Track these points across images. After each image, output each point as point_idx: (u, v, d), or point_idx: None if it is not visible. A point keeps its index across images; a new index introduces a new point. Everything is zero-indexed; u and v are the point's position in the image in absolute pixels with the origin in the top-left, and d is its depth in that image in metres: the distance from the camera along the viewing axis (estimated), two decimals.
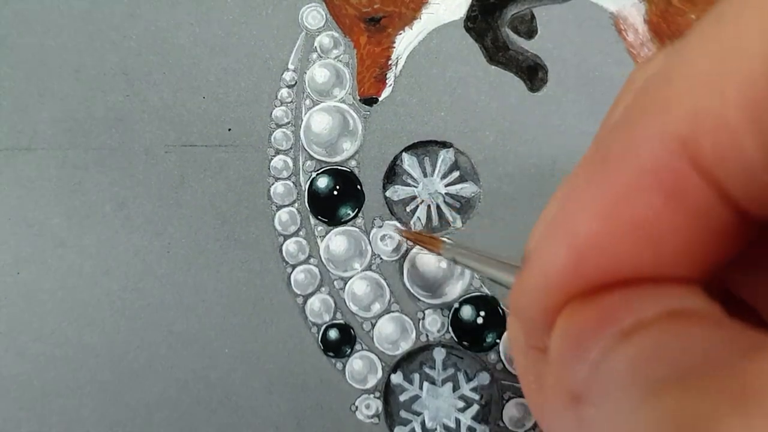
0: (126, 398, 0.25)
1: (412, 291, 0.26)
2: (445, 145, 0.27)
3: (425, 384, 0.26)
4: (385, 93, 0.27)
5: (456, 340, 0.26)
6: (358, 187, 0.26)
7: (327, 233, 0.26)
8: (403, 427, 0.26)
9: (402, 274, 0.26)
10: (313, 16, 0.27)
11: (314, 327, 0.26)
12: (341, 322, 0.26)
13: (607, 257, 0.10)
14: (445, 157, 0.27)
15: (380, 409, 0.26)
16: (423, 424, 0.26)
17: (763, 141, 0.09)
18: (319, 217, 0.26)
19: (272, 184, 0.26)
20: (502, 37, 0.27)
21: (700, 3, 0.27)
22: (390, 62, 0.27)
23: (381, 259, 0.26)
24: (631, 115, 0.10)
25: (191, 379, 0.26)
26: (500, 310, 0.26)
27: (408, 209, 0.26)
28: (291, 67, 0.27)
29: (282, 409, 0.25)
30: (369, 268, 0.26)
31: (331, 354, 0.26)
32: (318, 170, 0.26)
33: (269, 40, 0.27)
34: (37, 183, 0.26)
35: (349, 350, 0.26)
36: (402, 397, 0.26)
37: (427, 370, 0.26)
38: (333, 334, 0.26)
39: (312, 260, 0.26)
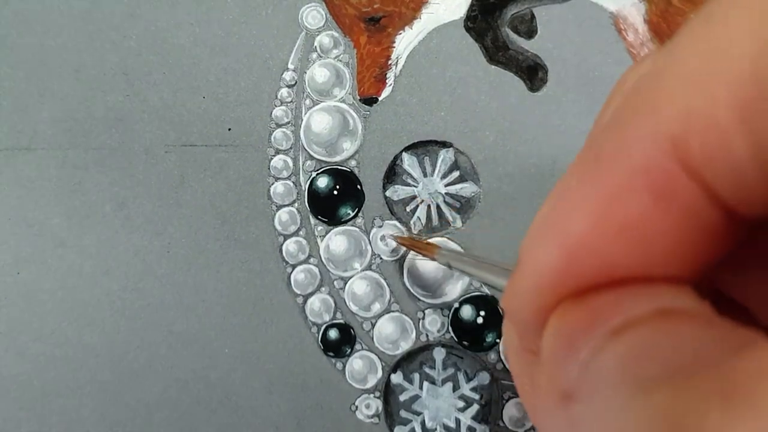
0: (126, 398, 0.25)
1: (412, 291, 0.26)
2: (445, 145, 0.27)
3: (425, 384, 0.26)
4: (385, 93, 0.27)
5: (456, 339, 0.26)
6: (358, 186, 0.26)
7: (327, 233, 0.26)
8: (403, 426, 0.26)
9: (402, 274, 0.26)
10: (313, 15, 0.27)
11: (314, 327, 0.26)
12: (341, 321, 0.26)
13: (599, 257, 0.10)
14: (445, 157, 0.27)
15: (380, 408, 0.26)
16: (423, 423, 0.26)
17: (752, 141, 0.09)
18: (319, 216, 0.26)
19: (272, 184, 0.26)
20: (502, 37, 0.27)
21: (699, 3, 0.27)
22: (390, 62, 0.27)
23: (381, 258, 0.26)
24: (623, 115, 0.10)
25: (191, 379, 0.26)
26: (500, 310, 0.26)
27: (408, 209, 0.26)
28: (291, 66, 0.27)
29: (282, 409, 0.25)
30: (369, 267, 0.26)
31: (331, 354, 0.26)
32: (318, 170, 0.26)
33: (269, 40, 0.27)
34: (37, 183, 0.26)
35: (349, 350, 0.26)
36: (402, 397, 0.26)
37: (427, 369, 0.26)
38: (333, 334, 0.26)
39: (312, 260, 0.26)
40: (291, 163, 0.26)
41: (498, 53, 0.27)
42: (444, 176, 0.27)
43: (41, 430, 0.25)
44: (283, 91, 0.27)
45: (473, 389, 0.26)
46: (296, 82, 0.27)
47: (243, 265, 0.26)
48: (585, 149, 0.11)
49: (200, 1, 0.27)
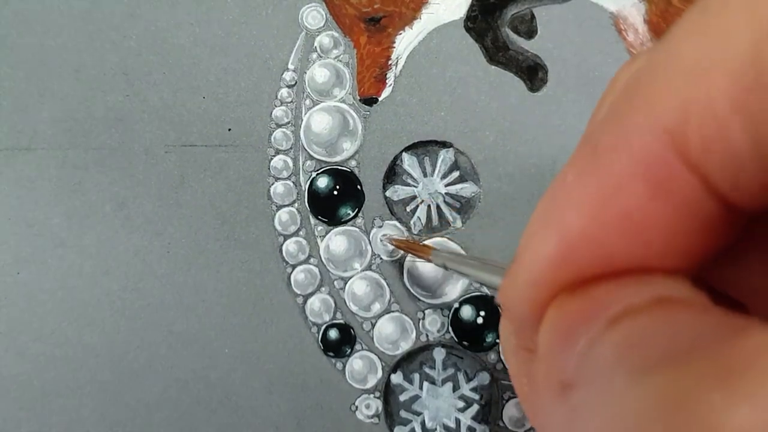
0: (126, 398, 0.25)
1: (412, 291, 0.26)
2: (445, 145, 0.27)
3: (425, 384, 0.26)
4: (385, 93, 0.27)
5: (456, 340, 0.26)
6: (358, 187, 0.26)
7: (327, 233, 0.26)
8: (403, 427, 0.26)
9: (402, 274, 0.26)
10: (313, 16, 0.27)
11: (314, 327, 0.26)
12: (341, 322, 0.26)
13: (596, 249, 0.10)
14: (445, 157, 0.27)
15: (380, 409, 0.26)
16: (423, 424, 0.26)
17: (750, 132, 0.09)
18: (319, 217, 0.26)
19: (272, 184, 0.26)
20: (502, 37, 0.27)
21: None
22: (390, 62, 0.27)
23: (381, 259, 0.26)
24: (620, 109, 0.10)
25: (191, 379, 0.26)
26: (500, 310, 0.26)
27: (408, 209, 0.26)
28: (291, 67, 0.27)
29: (282, 409, 0.25)
30: (369, 268, 0.26)
31: (331, 354, 0.26)
32: (318, 170, 0.26)
33: (269, 40, 0.27)
34: (37, 183, 0.26)
35: (349, 350, 0.26)
36: (402, 397, 0.26)
37: (427, 370, 0.26)
38: (333, 334, 0.26)
39: (312, 260, 0.26)
40: (291, 163, 0.26)
41: (498, 53, 0.27)
42: (444, 176, 0.27)
43: (41, 430, 0.25)
44: (283, 91, 0.27)
45: (473, 389, 0.26)
46: (296, 82, 0.27)
47: (243, 265, 0.26)
48: (582, 144, 0.11)
49: (200, 1, 0.27)
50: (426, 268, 0.26)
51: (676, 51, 0.10)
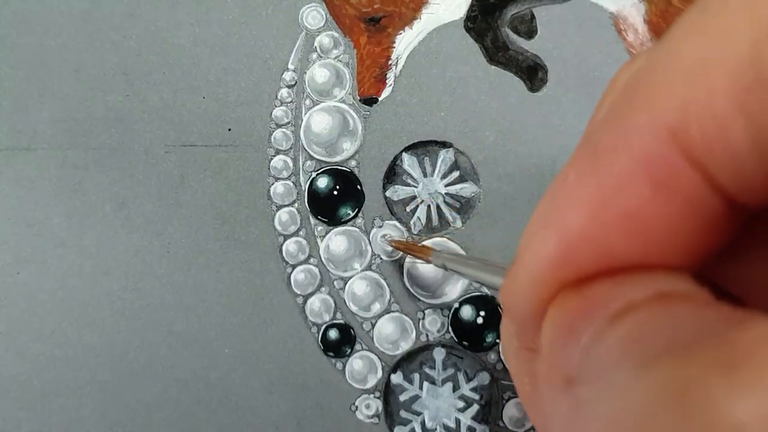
0: (126, 398, 0.25)
1: (412, 291, 0.26)
2: (445, 145, 0.27)
3: (425, 384, 0.26)
4: (385, 93, 0.27)
5: (456, 340, 0.26)
6: (358, 187, 0.26)
7: (327, 233, 0.26)
8: (403, 427, 0.26)
9: (402, 274, 0.26)
10: (313, 16, 0.27)
11: (314, 327, 0.26)
12: (341, 322, 0.26)
13: (597, 248, 0.10)
14: (445, 157, 0.27)
15: (380, 409, 0.26)
16: (423, 424, 0.26)
17: (750, 131, 0.09)
18: (319, 217, 0.26)
19: (272, 184, 0.26)
20: (502, 37, 0.27)
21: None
22: (390, 62, 0.27)
23: (381, 259, 0.26)
24: (620, 108, 0.10)
25: (191, 379, 0.26)
26: (500, 310, 0.26)
27: (408, 209, 0.26)
28: (291, 67, 0.27)
29: (282, 409, 0.25)
30: (369, 268, 0.26)
31: (331, 354, 0.26)
32: (318, 170, 0.26)
33: (269, 40, 0.27)
34: (37, 183, 0.26)
35: (349, 350, 0.26)
36: (402, 397, 0.26)
37: (427, 370, 0.26)
38: (333, 334, 0.26)
39: (312, 260, 0.26)
40: (291, 163, 0.26)
41: (498, 53, 0.27)
42: (444, 176, 0.27)
43: (41, 430, 0.25)
44: (283, 92, 0.27)
45: (473, 389, 0.26)
46: (296, 83, 0.27)
47: (243, 265, 0.26)
48: (582, 144, 0.11)
49: (200, 1, 0.27)
50: (426, 268, 0.26)
51: (676, 51, 0.10)
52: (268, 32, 0.27)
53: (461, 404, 0.26)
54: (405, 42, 0.27)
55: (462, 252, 0.26)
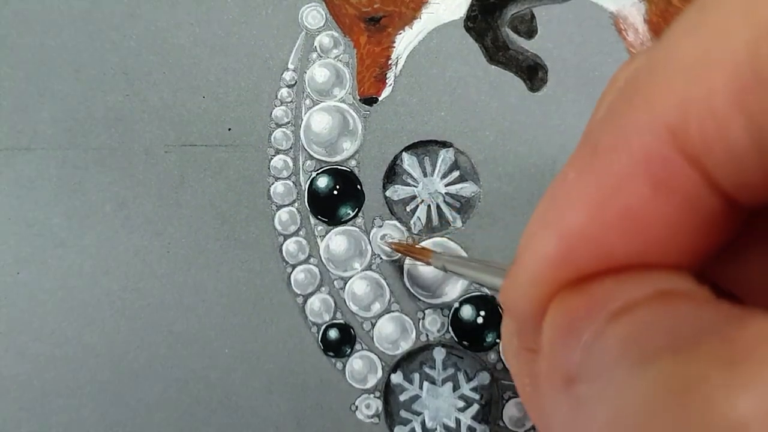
0: (126, 398, 0.25)
1: (412, 291, 0.26)
2: (445, 144, 0.27)
3: (425, 384, 0.26)
4: (385, 93, 0.27)
5: (456, 339, 0.26)
6: (358, 186, 0.26)
7: (327, 233, 0.26)
8: (403, 426, 0.26)
9: (402, 274, 0.26)
10: (313, 15, 0.27)
11: (314, 327, 0.26)
12: (341, 321, 0.26)
13: (597, 247, 0.10)
14: (445, 156, 0.27)
15: (380, 408, 0.26)
16: (423, 423, 0.26)
17: (749, 129, 0.09)
18: (319, 216, 0.26)
19: (272, 184, 0.26)
20: (502, 37, 0.27)
21: None
22: (390, 62, 0.27)
23: (381, 258, 0.26)
24: (619, 108, 0.10)
25: (191, 379, 0.26)
26: (500, 310, 0.26)
27: (408, 209, 0.26)
28: (291, 66, 0.27)
29: (282, 409, 0.25)
30: (369, 267, 0.26)
31: (331, 354, 0.26)
32: (318, 170, 0.26)
33: (269, 40, 0.27)
34: (37, 183, 0.26)
35: (349, 350, 0.26)
36: (402, 397, 0.26)
37: (427, 369, 0.26)
38: (333, 333, 0.26)
39: (312, 260, 0.26)
40: (291, 163, 0.26)
41: (498, 53, 0.27)
42: (444, 176, 0.27)
43: (41, 430, 0.25)
44: (283, 91, 0.27)
45: (473, 389, 0.26)
46: (296, 82, 0.27)
47: (243, 265, 0.26)
48: (581, 143, 0.11)
49: (200, 1, 0.27)
50: (426, 268, 0.26)
51: (675, 50, 0.10)
52: (268, 32, 0.27)
53: (461, 404, 0.26)
54: (405, 42, 0.27)
55: (462, 252, 0.26)
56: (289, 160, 0.26)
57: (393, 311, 0.26)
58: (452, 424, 0.26)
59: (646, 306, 0.09)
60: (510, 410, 0.26)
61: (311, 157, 0.27)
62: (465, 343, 0.26)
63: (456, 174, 0.26)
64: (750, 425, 0.07)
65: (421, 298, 0.26)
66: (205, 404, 0.25)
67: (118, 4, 0.27)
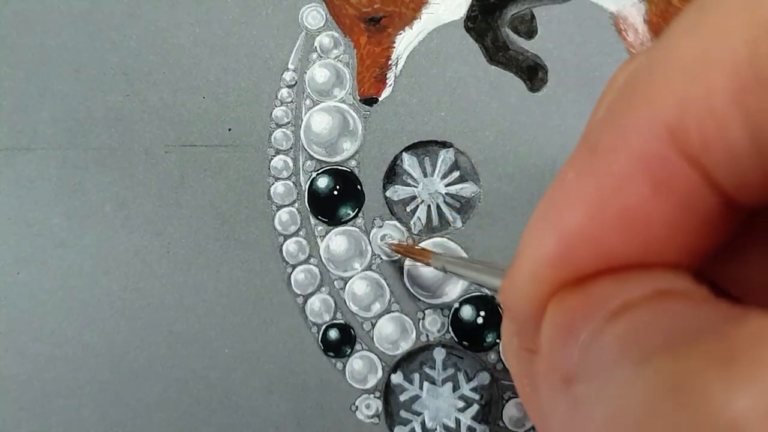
0: (126, 398, 0.25)
1: (412, 291, 0.26)
2: (445, 145, 0.27)
3: (425, 384, 0.26)
4: (385, 93, 0.27)
5: (456, 340, 0.26)
6: (358, 187, 0.26)
7: (327, 233, 0.26)
8: (403, 426, 0.26)
9: (402, 274, 0.26)
10: (313, 16, 0.27)
11: (314, 327, 0.26)
12: (341, 322, 0.26)
13: (596, 246, 0.10)
14: (445, 157, 0.27)
15: (380, 408, 0.26)
16: (423, 423, 0.26)
17: (748, 127, 0.09)
18: (319, 217, 0.26)
19: (272, 184, 0.26)
20: (502, 37, 0.27)
21: None
22: (390, 62, 0.27)
23: (381, 259, 0.26)
24: (619, 107, 0.10)
25: (191, 379, 0.26)
26: (500, 310, 0.26)
27: (408, 209, 0.26)
28: (291, 67, 0.27)
29: (282, 409, 0.25)
30: (369, 268, 0.26)
31: (331, 354, 0.26)
32: (318, 170, 0.26)
33: (269, 40, 0.27)
34: (37, 183, 0.26)
35: (349, 350, 0.26)
36: (402, 397, 0.26)
37: (427, 370, 0.26)
38: (333, 334, 0.26)
39: (312, 260, 0.26)
40: (291, 163, 0.26)
41: (498, 53, 0.27)
42: (444, 176, 0.27)
43: (41, 430, 0.25)
44: (283, 91, 0.27)
45: (473, 389, 0.26)
46: (296, 82, 0.27)
47: (243, 265, 0.26)
48: (581, 142, 0.11)
49: (200, 1, 0.27)
50: (426, 268, 0.26)
51: (674, 49, 0.10)
52: (268, 32, 0.27)
53: (461, 404, 0.26)
54: (405, 42, 0.27)
55: (462, 252, 0.26)
56: (289, 160, 0.26)
57: (393, 311, 0.26)
58: (452, 425, 0.26)
59: (644, 305, 0.09)
60: (510, 410, 0.26)
61: (311, 158, 0.27)
62: (465, 343, 0.26)
63: (456, 174, 0.26)
64: (747, 423, 0.07)
65: (421, 298, 0.26)
66: (205, 404, 0.25)
67: (118, 4, 0.27)
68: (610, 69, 0.27)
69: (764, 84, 0.09)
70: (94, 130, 0.26)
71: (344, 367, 0.26)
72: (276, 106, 0.27)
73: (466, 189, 0.26)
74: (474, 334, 0.26)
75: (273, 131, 0.27)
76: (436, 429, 0.26)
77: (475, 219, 0.26)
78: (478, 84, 0.27)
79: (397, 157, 0.26)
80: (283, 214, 0.26)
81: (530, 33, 0.27)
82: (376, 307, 0.26)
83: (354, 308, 0.26)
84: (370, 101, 0.27)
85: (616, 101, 0.10)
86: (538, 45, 0.27)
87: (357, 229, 0.26)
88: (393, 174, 0.26)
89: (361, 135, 0.27)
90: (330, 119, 0.26)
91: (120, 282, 0.26)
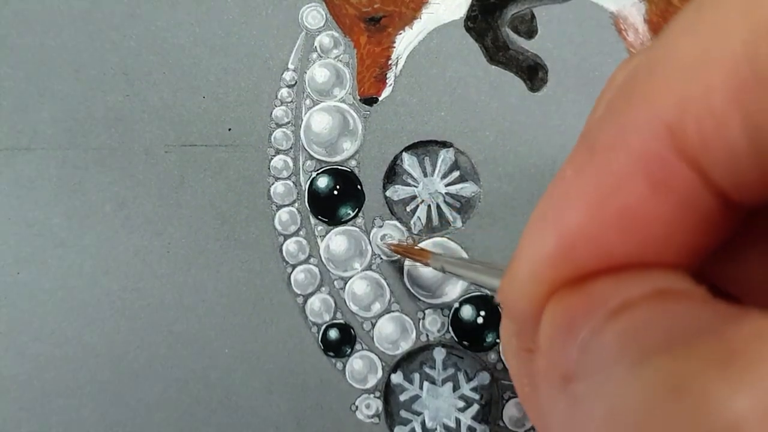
0: (126, 398, 0.25)
1: (412, 291, 0.26)
2: (445, 144, 0.27)
3: (425, 384, 0.26)
4: (385, 93, 0.27)
5: (456, 339, 0.26)
6: (358, 186, 0.26)
7: (327, 233, 0.26)
8: (403, 426, 0.26)
9: (402, 274, 0.26)
10: (313, 15, 0.27)
11: (314, 327, 0.26)
12: (341, 321, 0.26)
13: (595, 246, 0.10)
14: (445, 156, 0.27)
15: (380, 408, 0.26)
16: (423, 423, 0.26)
17: (747, 127, 0.09)
18: (319, 216, 0.26)
19: (272, 184, 0.26)
20: (502, 37, 0.27)
21: None
22: (390, 62, 0.27)
23: (381, 258, 0.26)
24: (617, 106, 0.10)
25: (191, 379, 0.26)
26: (500, 310, 0.26)
27: (408, 209, 0.26)
28: (291, 66, 0.27)
29: (282, 409, 0.25)
30: (369, 267, 0.26)
31: (331, 354, 0.26)
32: (318, 170, 0.26)
33: (269, 40, 0.27)
34: (37, 183, 0.26)
35: (349, 350, 0.26)
36: (402, 397, 0.26)
37: (427, 369, 0.26)
38: (333, 333, 0.26)
39: (312, 260, 0.26)
40: (291, 163, 0.26)
41: (498, 53, 0.27)
42: (444, 176, 0.27)
43: (41, 430, 0.25)
44: (283, 91, 0.27)
45: (473, 389, 0.26)
46: (296, 82, 0.27)
47: (243, 265, 0.26)
48: (580, 141, 0.11)
49: (200, 1, 0.27)
50: (426, 268, 0.26)
51: (673, 48, 0.10)
52: (268, 32, 0.27)
53: (461, 404, 0.26)
54: (405, 42, 0.27)
55: (462, 252, 0.26)
56: (289, 160, 0.26)
57: (393, 311, 0.26)
58: (452, 424, 0.26)
59: (644, 304, 0.09)
60: (510, 410, 0.26)
61: (311, 157, 0.27)
62: (465, 343, 0.26)
63: (456, 174, 0.26)
64: (746, 423, 0.07)
65: (421, 298, 0.26)
66: (205, 404, 0.25)
67: (118, 4, 0.27)
68: (610, 69, 0.27)
69: (763, 84, 0.09)
70: (94, 130, 0.26)
71: (344, 367, 0.26)
72: (276, 106, 0.27)
73: (466, 189, 0.26)
74: (474, 334, 0.26)
75: (273, 131, 0.27)
76: (436, 429, 0.26)
77: (475, 219, 0.26)
78: (478, 84, 0.27)
79: (397, 157, 0.26)
80: (283, 214, 0.26)
81: (530, 33, 0.27)
82: (376, 307, 0.26)
83: (354, 308, 0.26)
84: (370, 101, 0.27)
85: (615, 100, 0.10)
86: (538, 45, 0.27)
87: (357, 229, 0.26)
88: (393, 174, 0.26)
89: (361, 135, 0.27)
90: (330, 119, 0.26)
91: (120, 282, 0.26)
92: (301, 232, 0.26)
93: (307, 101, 0.27)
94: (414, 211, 0.26)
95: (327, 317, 0.26)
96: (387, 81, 0.27)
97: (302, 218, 0.26)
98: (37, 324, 0.26)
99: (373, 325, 0.26)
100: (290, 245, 0.26)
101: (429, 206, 0.26)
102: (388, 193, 0.26)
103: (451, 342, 0.26)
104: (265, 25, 0.27)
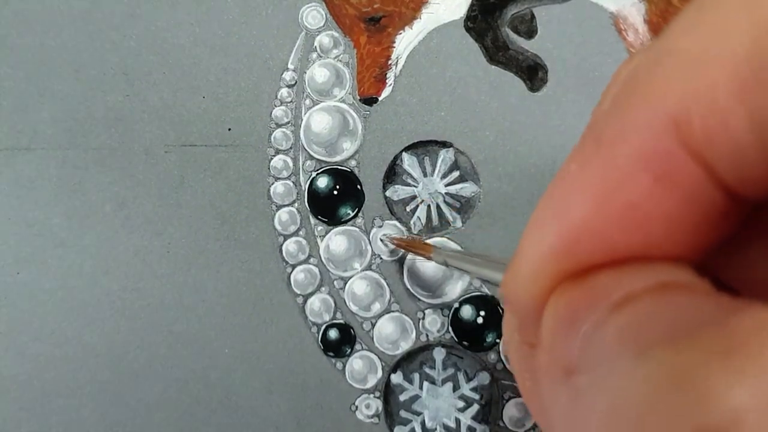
0: (126, 398, 0.25)
1: (412, 291, 0.26)
2: (445, 144, 0.27)
3: (425, 384, 0.26)
4: (385, 93, 0.27)
5: (456, 339, 0.26)
6: (358, 186, 0.26)
7: (327, 233, 0.26)
8: (403, 426, 0.26)
9: (402, 273, 0.26)
10: (313, 15, 0.27)
11: (314, 327, 0.26)
12: (341, 321, 0.26)
13: (599, 239, 0.10)
14: (445, 156, 0.27)
15: (380, 408, 0.26)
16: (423, 423, 0.26)
17: (751, 121, 0.09)
18: (319, 216, 0.26)
19: (272, 184, 0.26)
20: (502, 37, 0.27)
21: None
22: (390, 62, 0.27)
23: (381, 258, 0.26)
24: (622, 101, 0.10)
25: (191, 379, 0.26)
26: (500, 310, 0.26)
27: (408, 209, 0.26)
28: (291, 66, 0.27)
29: (282, 409, 0.25)
30: (369, 267, 0.26)
31: (331, 354, 0.26)
32: (318, 170, 0.26)
33: (269, 40, 0.27)
34: (37, 183, 0.26)
35: (349, 350, 0.26)
36: (402, 397, 0.26)
37: (427, 369, 0.26)
38: (333, 333, 0.26)
39: (312, 260, 0.26)
40: (291, 163, 0.26)
41: (498, 53, 0.27)
42: (444, 176, 0.27)
43: (41, 430, 0.25)
44: (283, 91, 0.27)
45: (473, 389, 0.26)
46: (296, 82, 0.27)
47: (243, 265, 0.26)
48: (586, 134, 0.11)
49: (200, 1, 0.27)
50: (426, 268, 0.26)
51: (676, 44, 0.10)
52: (268, 32, 0.27)
53: (461, 404, 0.26)
54: (405, 42, 0.27)
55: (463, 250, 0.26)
56: (289, 160, 0.26)
57: (393, 311, 0.26)
58: (452, 424, 0.26)
59: (646, 297, 0.09)
60: (510, 410, 0.26)
61: (311, 157, 0.27)
62: (465, 343, 0.26)
63: (456, 174, 0.26)
64: (748, 415, 0.07)
65: (421, 298, 0.26)
66: (205, 404, 0.25)
67: (118, 4, 0.27)
68: (610, 69, 0.27)
69: (765, 84, 0.09)
70: (94, 130, 0.26)
71: (344, 367, 0.26)
72: (276, 106, 0.27)
73: (466, 189, 0.26)
74: (474, 333, 0.26)
75: (273, 131, 0.27)
76: (436, 429, 0.26)
77: (475, 219, 0.26)
78: (478, 84, 0.27)
79: (397, 157, 0.27)
80: (282, 214, 0.26)
81: (530, 33, 0.27)
82: (376, 307, 0.26)
83: (354, 308, 0.26)
84: (370, 101, 0.27)
85: (620, 94, 0.10)
86: (538, 45, 0.27)
87: (357, 229, 0.26)
88: (393, 174, 0.26)
89: (361, 135, 0.27)
90: (330, 119, 0.26)
91: (120, 282, 0.26)
92: (300, 232, 0.26)
93: (307, 101, 0.27)
94: (414, 211, 0.26)
95: (327, 317, 0.26)
96: (387, 81, 0.27)
97: (302, 218, 0.26)
98: (37, 324, 0.26)
99: (373, 325, 0.26)
100: (290, 245, 0.26)
101: (429, 206, 0.26)
102: (387, 193, 0.26)
103: (451, 342, 0.26)
104: (265, 25, 0.27)
